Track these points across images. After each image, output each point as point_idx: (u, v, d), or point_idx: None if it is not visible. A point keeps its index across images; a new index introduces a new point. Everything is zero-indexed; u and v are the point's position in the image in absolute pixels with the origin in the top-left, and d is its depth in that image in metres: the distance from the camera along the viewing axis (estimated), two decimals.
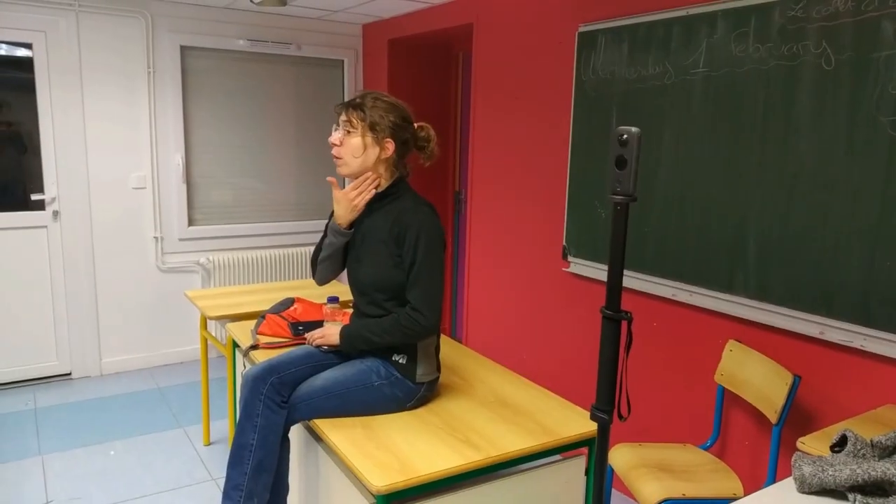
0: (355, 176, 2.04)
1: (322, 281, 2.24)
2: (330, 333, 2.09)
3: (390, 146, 1.98)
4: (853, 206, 2.10)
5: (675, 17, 2.62)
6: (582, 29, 3.07)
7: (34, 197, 4.04)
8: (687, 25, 2.58)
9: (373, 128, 1.96)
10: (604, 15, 2.96)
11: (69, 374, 4.27)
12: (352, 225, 2.12)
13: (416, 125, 2.06)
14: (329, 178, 2.09)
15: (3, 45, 3.91)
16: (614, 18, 2.90)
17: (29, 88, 3.94)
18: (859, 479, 1.33)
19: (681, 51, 2.61)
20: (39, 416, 3.73)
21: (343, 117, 1.99)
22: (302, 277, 4.87)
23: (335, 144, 2.01)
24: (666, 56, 2.67)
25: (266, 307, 2.79)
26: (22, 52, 3.94)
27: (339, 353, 2.12)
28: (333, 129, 2.04)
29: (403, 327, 1.93)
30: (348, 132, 1.98)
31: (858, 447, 1.43)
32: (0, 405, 3.85)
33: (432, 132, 2.08)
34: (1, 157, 4.10)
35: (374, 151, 1.98)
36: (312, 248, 4.87)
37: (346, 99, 2.04)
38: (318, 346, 2.12)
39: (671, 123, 2.67)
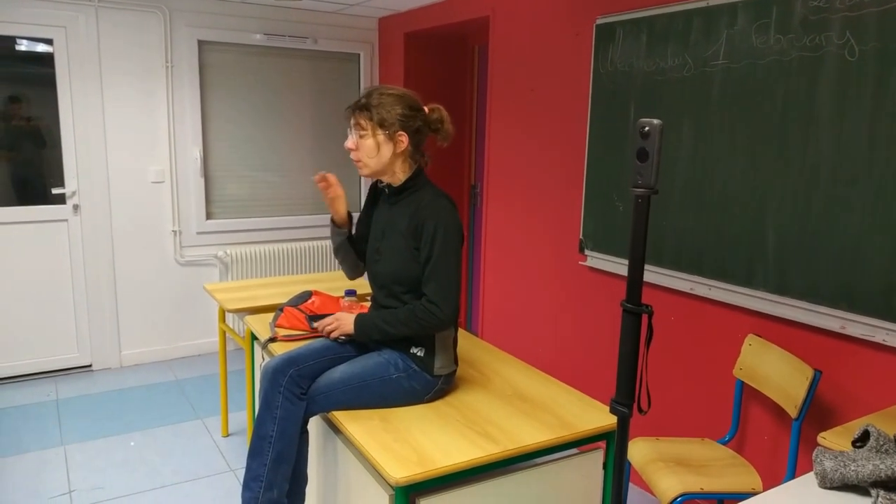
0: (376, 175, 2.05)
1: (349, 275, 2.26)
2: (343, 321, 2.10)
3: (404, 139, 1.98)
4: (875, 199, 2.07)
5: (695, 8, 2.59)
6: (599, 21, 3.05)
7: (54, 191, 4.09)
8: (707, 17, 2.55)
9: (382, 125, 1.95)
10: (622, 7, 2.94)
11: (90, 365, 4.33)
12: (350, 222, 2.19)
13: (426, 108, 2.04)
14: (316, 178, 2.13)
15: (25, 41, 3.96)
16: (633, 10, 2.87)
17: (49, 83, 3.99)
18: (882, 474, 1.32)
19: (700, 42, 2.58)
20: (61, 407, 3.79)
21: (353, 120, 2.00)
22: (319, 270, 4.90)
23: (351, 148, 2.02)
24: (685, 48, 2.65)
25: (284, 300, 2.81)
26: (42, 48, 3.98)
27: (358, 346, 2.13)
28: (348, 132, 2.04)
29: (419, 319, 1.93)
30: (360, 135, 1.98)
31: (881, 442, 1.41)
32: (22, 396, 3.91)
33: (444, 112, 2.06)
34: (22, 152, 4.15)
35: (388, 148, 1.98)
36: (330, 241, 4.92)
37: (361, 92, 2.05)
38: (328, 334, 2.12)
39: (690, 116, 2.64)
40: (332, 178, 2.14)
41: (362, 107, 1.98)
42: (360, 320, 2.05)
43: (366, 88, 2.04)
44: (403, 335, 1.99)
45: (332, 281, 3.40)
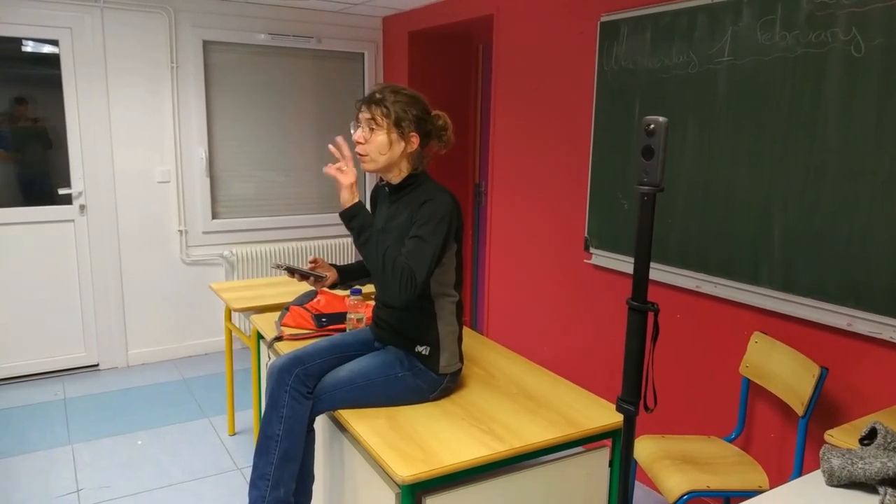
0: (380, 172, 2.03)
1: None
2: (347, 185, 1.85)
3: (416, 140, 1.97)
4: (882, 196, 2.06)
5: (700, 5, 2.58)
6: (604, 18, 3.04)
7: (61, 191, 4.10)
8: (712, 13, 2.54)
9: (398, 123, 1.93)
10: (626, 4, 2.93)
11: (97, 365, 4.35)
12: (340, 272, 2.32)
13: (432, 113, 2.04)
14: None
15: (31, 42, 3.97)
16: (637, 7, 2.87)
17: (55, 84, 4.00)
18: (890, 472, 1.32)
19: (705, 39, 2.58)
20: (68, 406, 3.80)
21: (366, 114, 1.95)
22: None
23: (359, 142, 1.97)
24: (690, 45, 2.64)
25: (289, 299, 2.81)
26: (48, 49, 4.00)
27: (364, 344, 2.13)
28: (352, 126, 2.01)
29: (396, 267, 1.80)
30: (372, 129, 1.94)
31: (889, 440, 1.41)
32: (30, 396, 3.93)
33: (448, 119, 2.06)
34: (28, 153, 4.16)
35: (399, 147, 1.96)
36: (334, 241, 4.94)
37: (366, 92, 2.02)
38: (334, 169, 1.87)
39: (695, 113, 2.64)
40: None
41: (378, 102, 1.93)
42: (357, 213, 1.84)
43: (377, 85, 2.00)
44: (374, 264, 1.83)
45: None
